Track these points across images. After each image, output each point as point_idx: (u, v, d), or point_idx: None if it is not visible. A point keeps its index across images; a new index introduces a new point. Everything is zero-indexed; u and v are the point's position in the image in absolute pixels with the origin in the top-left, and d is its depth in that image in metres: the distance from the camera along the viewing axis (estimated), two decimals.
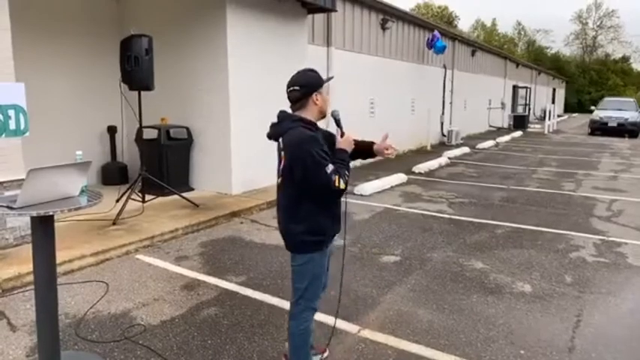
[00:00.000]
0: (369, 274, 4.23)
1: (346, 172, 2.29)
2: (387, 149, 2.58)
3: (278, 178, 2.43)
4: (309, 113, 2.38)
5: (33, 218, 2.36)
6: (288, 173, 2.32)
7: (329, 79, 2.48)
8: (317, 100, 2.37)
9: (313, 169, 2.21)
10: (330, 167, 2.22)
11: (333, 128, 2.55)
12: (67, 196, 2.46)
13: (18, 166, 4.33)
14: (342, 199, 2.44)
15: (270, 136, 2.46)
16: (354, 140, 2.50)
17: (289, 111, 2.44)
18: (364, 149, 2.62)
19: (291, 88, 2.36)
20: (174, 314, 3.43)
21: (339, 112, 2.48)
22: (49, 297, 2.49)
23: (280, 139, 2.38)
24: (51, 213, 2.30)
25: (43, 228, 2.42)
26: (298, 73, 2.41)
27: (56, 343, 2.55)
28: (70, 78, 6.97)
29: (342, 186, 2.23)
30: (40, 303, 2.47)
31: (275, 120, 2.46)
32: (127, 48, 5.68)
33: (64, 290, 3.72)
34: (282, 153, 2.35)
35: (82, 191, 2.55)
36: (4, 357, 2.86)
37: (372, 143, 2.65)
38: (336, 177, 2.21)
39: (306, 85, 2.35)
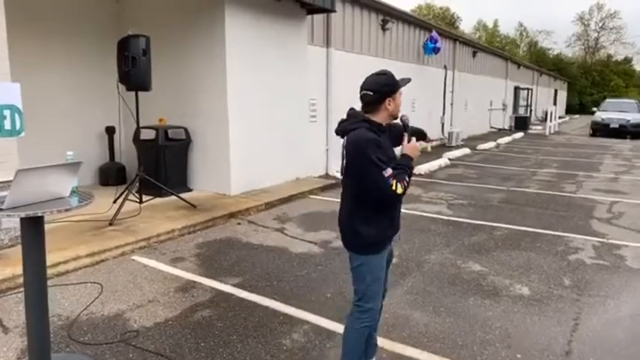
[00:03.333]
0: None
1: (406, 178, 2.30)
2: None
3: (342, 175, 2.44)
4: (379, 117, 2.36)
5: (22, 219, 2.33)
6: (347, 173, 2.35)
7: (405, 81, 2.40)
8: (389, 105, 2.35)
9: (370, 171, 2.22)
10: (389, 171, 2.22)
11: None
12: (57, 197, 2.43)
13: (14, 166, 4.30)
14: None
15: (337, 133, 2.45)
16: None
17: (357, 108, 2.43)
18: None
19: (364, 92, 2.34)
20: (168, 316, 3.40)
21: (409, 118, 2.50)
22: (39, 299, 2.46)
23: (345, 138, 2.37)
24: (40, 214, 2.27)
25: (33, 229, 2.39)
26: (372, 76, 2.37)
27: (47, 345, 2.53)
28: (68, 78, 6.95)
29: (400, 190, 2.24)
30: (29, 305, 2.44)
31: (344, 117, 2.45)
32: (125, 48, 5.67)
33: (57, 291, 3.70)
34: (345, 152, 2.35)
35: (73, 192, 2.53)
36: None
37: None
38: (394, 181, 2.22)
39: (379, 91, 2.32)
